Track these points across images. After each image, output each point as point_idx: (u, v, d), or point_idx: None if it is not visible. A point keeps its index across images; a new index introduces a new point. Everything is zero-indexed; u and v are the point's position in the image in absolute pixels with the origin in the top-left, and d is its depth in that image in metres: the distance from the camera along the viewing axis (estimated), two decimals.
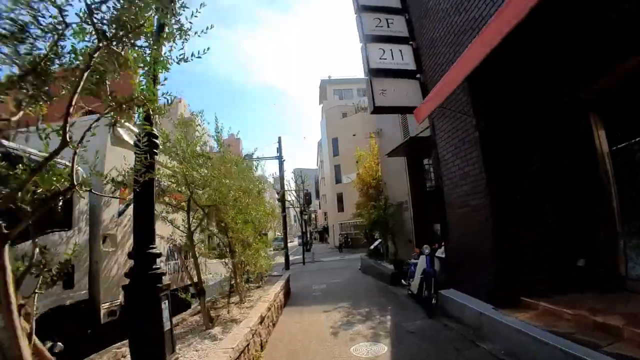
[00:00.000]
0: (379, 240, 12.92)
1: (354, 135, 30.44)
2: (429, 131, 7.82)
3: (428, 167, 9.04)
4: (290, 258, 19.79)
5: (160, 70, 2.74)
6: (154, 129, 3.46)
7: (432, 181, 9.12)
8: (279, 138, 19.23)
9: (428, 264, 6.49)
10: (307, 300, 8.27)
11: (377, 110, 7.52)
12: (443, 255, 6.75)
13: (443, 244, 6.88)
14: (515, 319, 4.25)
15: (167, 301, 3.04)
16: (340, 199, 34.19)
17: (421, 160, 9.29)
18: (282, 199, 16.95)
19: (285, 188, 21.93)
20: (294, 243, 43.22)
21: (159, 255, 3.09)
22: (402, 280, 7.99)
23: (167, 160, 5.18)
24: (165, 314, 3.00)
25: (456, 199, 5.79)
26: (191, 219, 4.79)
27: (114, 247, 5.00)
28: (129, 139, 5.29)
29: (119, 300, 4.97)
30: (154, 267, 3.00)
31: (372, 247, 13.61)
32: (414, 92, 7.74)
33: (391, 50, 8.54)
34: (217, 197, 4.60)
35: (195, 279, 4.59)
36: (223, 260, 6.05)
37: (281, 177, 17.28)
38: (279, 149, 18.98)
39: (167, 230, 5.33)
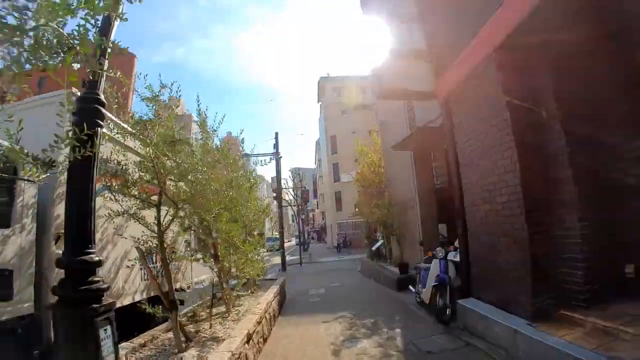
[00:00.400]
0: (381, 241, 12.09)
1: (353, 132, 29.61)
2: (441, 121, 7.03)
3: (438, 162, 8.21)
4: (287, 258, 18.97)
5: (103, 9, 1.93)
6: (99, 93, 2.63)
7: (441, 177, 8.30)
8: (276, 134, 18.43)
9: (442, 270, 5.68)
10: (304, 308, 7.43)
11: (385, 94, 6.71)
12: (457, 259, 5.93)
13: (457, 246, 6.07)
14: (563, 340, 3.43)
15: (109, 327, 2.20)
16: (338, 198, 33.34)
17: (430, 155, 8.46)
18: (278, 197, 16.10)
19: (282, 186, 21.09)
20: (291, 243, 42.42)
21: (99, 263, 2.25)
22: (410, 287, 7.17)
23: (138, 146, 4.35)
24: (107, 345, 2.16)
25: (479, 193, 4.97)
26: (166, 215, 3.96)
27: None
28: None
29: None
30: (89, 279, 2.16)
31: (373, 248, 12.77)
32: (425, 75, 6.94)
33: (400, 29, 7.74)
34: (194, 189, 3.75)
35: (166, 289, 3.74)
36: (208, 264, 5.20)
37: (278, 174, 16.44)
38: (276, 145, 18.16)
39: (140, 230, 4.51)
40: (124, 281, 4.86)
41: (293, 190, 28.57)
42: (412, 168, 8.63)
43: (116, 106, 3.80)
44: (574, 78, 4.28)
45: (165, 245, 3.73)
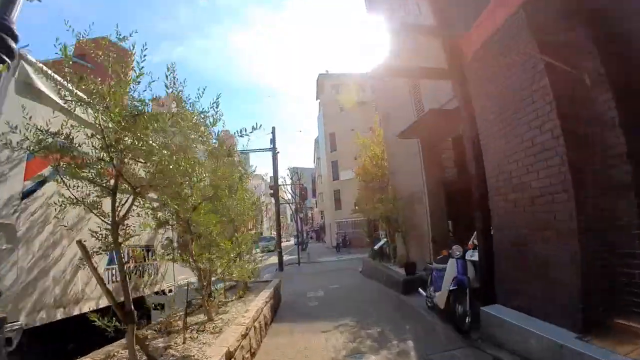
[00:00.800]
0: (384, 239, 11.30)
1: (352, 129, 28.85)
2: (453, 104, 6.28)
3: (450, 150, 7.44)
4: (285, 258, 18.18)
5: None
6: (9, 19, 1.85)
7: (453, 167, 7.54)
8: (273, 128, 17.68)
9: (460, 270, 4.91)
10: (300, 314, 6.63)
11: (388, 72, 5.95)
12: (475, 258, 5.16)
13: (475, 243, 5.30)
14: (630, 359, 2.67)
15: None
16: (337, 196, 32.53)
17: (440, 142, 7.68)
18: (275, 193, 15.31)
19: (280, 183, 20.31)
20: (289, 242, 41.65)
21: None
22: (420, 289, 6.39)
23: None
24: None
25: (507, 179, 4.19)
26: (125, 203, 3.17)
27: (10, 243, 3.33)
28: (48, 90, 3.64)
29: (19, 323, 3.32)
30: None
31: (376, 247, 11.98)
32: (434, 50, 6.21)
33: (405, 3, 7.00)
34: (157, 169, 2.95)
35: (139, 295, 2.94)
36: (187, 265, 4.41)
37: (275, 170, 15.66)
38: (273, 140, 17.40)
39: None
40: (85, 283, 4.06)
41: (291, 188, 27.78)
42: (420, 158, 7.85)
43: (70, 69, 3.03)
44: (624, 34, 3.53)
45: (120, 241, 2.92)
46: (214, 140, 3.13)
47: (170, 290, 6.27)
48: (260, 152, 17.19)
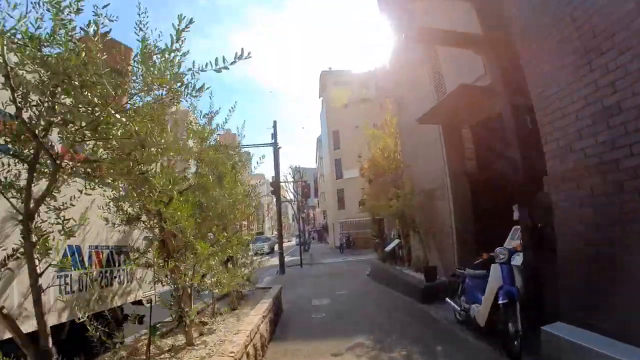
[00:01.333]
0: (397, 240, 10.27)
1: (356, 127, 27.88)
2: (482, 81, 5.32)
3: (480, 136, 6.42)
4: (287, 259, 17.18)
5: None
6: None
7: (482, 157, 6.55)
8: (274, 122, 16.71)
9: (507, 279, 3.90)
10: (305, 329, 5.60)
11: (418, 37, 4.97)
12: (519, 264, 4.15)
13: (520, 244, 4.30)
14: None
15: None
16: (341, 196, 31.52)
17: (466, 127, 6.68)
18: (276, 191, 14.34)
19: (282, 180, 19.36)
20: (291, 243, 40.74)
21: None
22: (448, 299, 5.37)
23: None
24: None
25: (579, 161, 3.19)
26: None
27: None
28: None
29: None
30: None
31: (387, 248, 10.94)
32: (462, 13, 5.26)
33: None
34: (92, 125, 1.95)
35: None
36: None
37: (276, 165, 14.69)
38: (274, 135, 16.44)
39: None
40: (23, 295, 3.04)
41: (293, 187, 26.81)
42: (442, 147, 6.85)
43: None
44: None
45: (34, 240, 1.95)
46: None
47: (149, 301, 5.31)
48: (262, 146, 16.27)
